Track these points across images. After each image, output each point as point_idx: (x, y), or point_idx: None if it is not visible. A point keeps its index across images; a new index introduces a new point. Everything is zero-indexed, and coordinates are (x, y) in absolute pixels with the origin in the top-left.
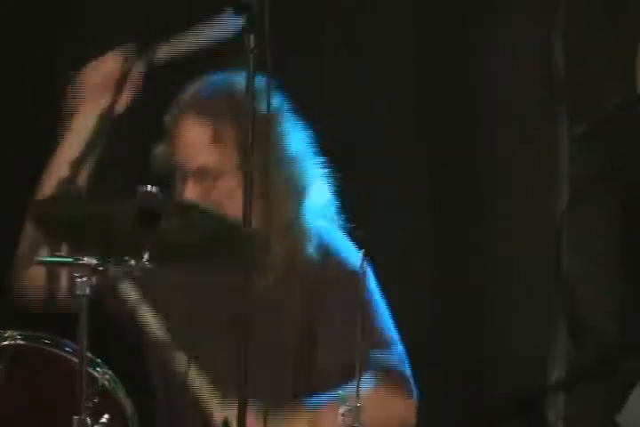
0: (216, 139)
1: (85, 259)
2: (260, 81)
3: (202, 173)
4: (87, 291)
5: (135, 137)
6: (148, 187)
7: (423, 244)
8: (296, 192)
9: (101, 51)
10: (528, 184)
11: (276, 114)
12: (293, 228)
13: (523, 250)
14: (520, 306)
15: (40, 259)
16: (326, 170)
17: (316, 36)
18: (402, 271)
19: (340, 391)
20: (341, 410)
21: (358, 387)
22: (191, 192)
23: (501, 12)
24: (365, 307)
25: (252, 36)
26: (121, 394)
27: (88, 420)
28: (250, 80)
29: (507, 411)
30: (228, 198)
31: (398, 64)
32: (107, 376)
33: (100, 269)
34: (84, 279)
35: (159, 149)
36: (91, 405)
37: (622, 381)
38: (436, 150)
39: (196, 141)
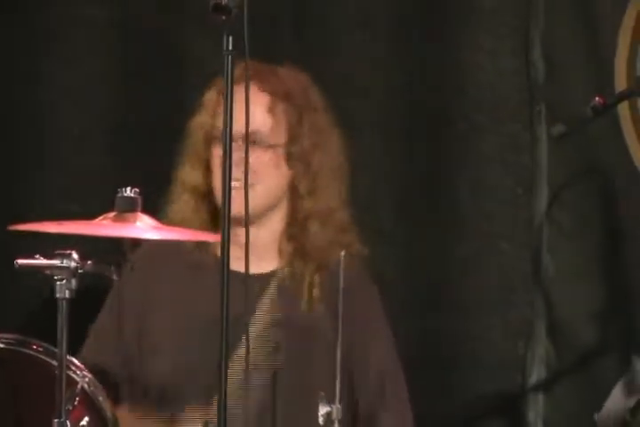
0: (271, 109)
1: (65, 262)
2: None
3: (252, 139)
4: (67, 294)
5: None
6: (127, 190)
7: (399, 244)
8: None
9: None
10: (507, 184)
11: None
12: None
13: (502, 250)
14: (498, 306)
15: (20, 262)
16: None
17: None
18: (375, 271)
19: (321, 393)
20: (322, 411)
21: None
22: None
23: (479, 13)
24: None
25: (230, 38)
26: (100, 397)
27: (68, 423)
28: (228, 80)
29: (486, 411)
30: (271, 168)
31: (371, 61)
32: (86, 379)
33: (80, 271)
34: (64, 282)
35: (197, 119)
36: (70, 408)
37: (601, 380)
38: (411, 150)
39: (254, 108)
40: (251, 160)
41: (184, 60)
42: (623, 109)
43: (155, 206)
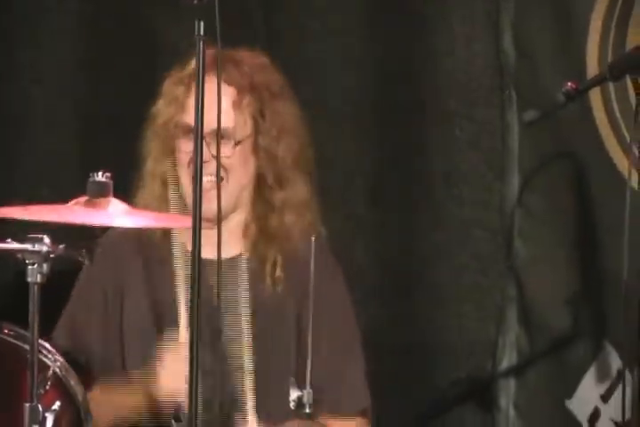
0: (236, 104)
1: (37, 246)
2: None
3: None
4: (38, 278)
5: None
6: (99, 175)
7: (371, 230)
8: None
9: None
10: (478, 170)
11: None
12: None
13: (473, 235)
14: (470, 291)
15: None
16: None
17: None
18: (348, 257)
19: (291, 378)
20: (292, 396)
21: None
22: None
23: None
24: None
25: (201, 23)
26: (72, 381)
27: (39, 407)
28: (200, 65)
29: (457, 396)
30: (240, 164)
31: (342, 47)
32: (58, 364)
33: (52, 256)
34: (36, 266)
35: (159, 109)
36: (42, 392)
37: (573, 366)
38: (383, 136)
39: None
40: (224, 158)
41: (157, 45)
42: (595, 95)
43: (126, 190)
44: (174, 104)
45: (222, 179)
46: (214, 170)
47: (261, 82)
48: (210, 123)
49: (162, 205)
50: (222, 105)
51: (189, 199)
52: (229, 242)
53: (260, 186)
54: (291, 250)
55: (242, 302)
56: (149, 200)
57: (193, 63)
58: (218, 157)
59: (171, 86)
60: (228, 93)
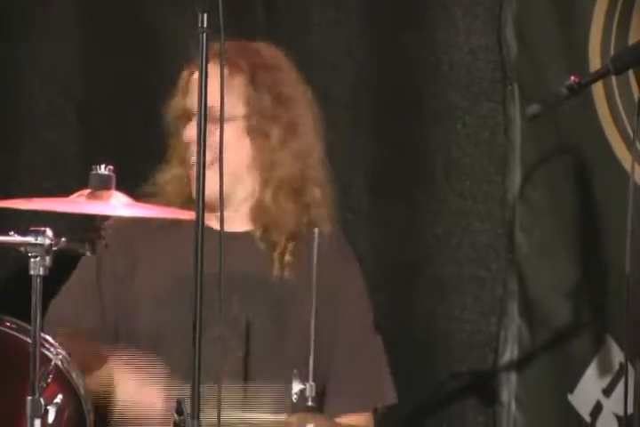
0: (226, 83)
1: (39, 239)
2: None
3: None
4: (41, 271)
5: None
6: (101, 168)
7: (372, 222)
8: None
9: None
10: (480, 163)
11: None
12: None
13: (475, 228)
14: (471, 284)
15: None
16: None
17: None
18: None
19: (294, 370)
20: (295, 389)
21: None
22: (192, 131)
23: None
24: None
25: (205, 15)
26: (75, 374)
27: (41, 400)
28: (202, 57)
29: (458, 390)
30: (231, 144)
31: (344, 39)
32: (60, 357)
33: (54, 249)
34: (38, 259)
35: (173, 100)
36: (44, 385)
37: (574, 359)
38: (385, 129)
39: (210, 82)
40: (214, 139)
41: (155, 34)
42: (597, 88)
43: (128, 182)
44: (180, 90)
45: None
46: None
47: (261, 65)
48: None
49: (179, 186)
50: (212, 85)
51: (192, 182)
52: (236, 219)
53: (261, 168)
54: (302, 238)
55: (243, 274)
56: (167, 180)
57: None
58: (220, 148)
59: (182, 76)
60: (217, 73)
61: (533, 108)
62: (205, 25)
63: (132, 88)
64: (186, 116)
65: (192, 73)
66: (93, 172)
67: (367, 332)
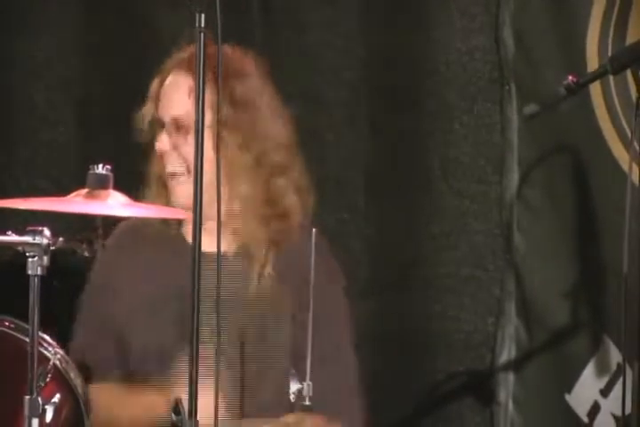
0: (193, 92)
1: (37, 238)
2: None
3: (175, 125)
4: (39, 271)
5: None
6: (98, 167)
7: (369, 222)
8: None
9: None
10: (477, 163)
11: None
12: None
13: (472, 228)
14: (469, 284)
15: None
16: None
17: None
18: (345, 250)
19: (292, 370)
20: (292, 389)
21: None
22: (164, 143)
23: None
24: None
25: (202, 15)
26: (72, 374)
27: (39, 400)
28: (200, 58)
29: (456, 390)
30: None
31: (341, 38)
32: (58, 356)
33: (52, 248)
34: (36, 259)
35: (145, 108)
36: (42, 385)
37: (572, 359)
38: (381, 128)
39: (174, 94)
40: (185, 149)
41: (152, 31)
42: (595, 88)
43: (126, 181)
44: (150, 99)
45: (186, 172)
46: (175, 161)
47: (231, 72)
48: (168, 111)
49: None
50: (179, 94)
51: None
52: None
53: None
54: (284, 246)
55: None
56: (152, 200)
57: (173, 57)
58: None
59: (153, 85)
60: (187, 82)
61: (531, 108)
62: (202, 25)
63: (130, 87)
64: (159, 126)
65: (162, 81)
66: (91, 171)
67: (341, 352)
